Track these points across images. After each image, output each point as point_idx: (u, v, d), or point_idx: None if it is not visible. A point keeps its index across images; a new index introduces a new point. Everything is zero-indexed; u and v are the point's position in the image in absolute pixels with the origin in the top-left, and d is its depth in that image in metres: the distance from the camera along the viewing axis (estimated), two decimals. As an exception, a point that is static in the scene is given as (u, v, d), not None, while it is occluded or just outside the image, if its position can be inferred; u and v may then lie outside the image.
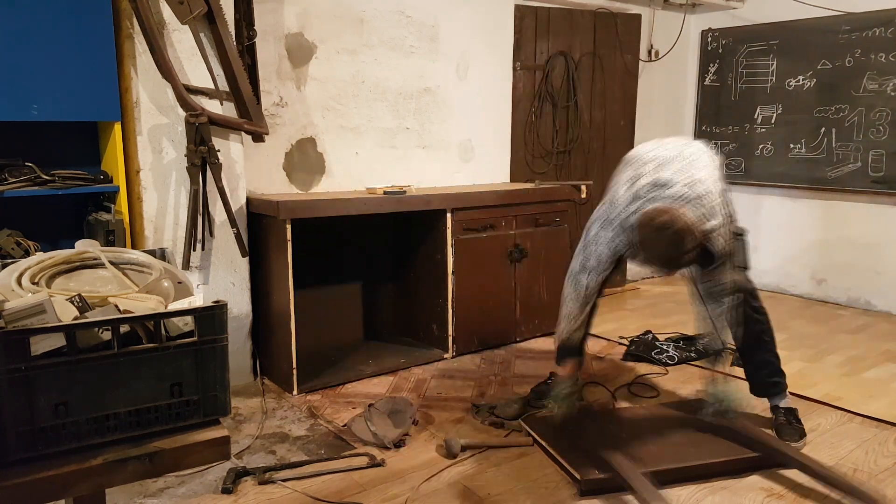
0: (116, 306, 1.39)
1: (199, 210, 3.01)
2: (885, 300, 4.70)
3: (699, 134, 5.63)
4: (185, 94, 2.92)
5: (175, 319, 1.35)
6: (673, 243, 2.10)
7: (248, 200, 3.30)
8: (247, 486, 2.36)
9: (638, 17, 5.09)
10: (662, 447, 2.54)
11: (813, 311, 4.75)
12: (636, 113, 5.24)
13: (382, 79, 3.92)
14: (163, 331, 1.32)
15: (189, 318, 1.35)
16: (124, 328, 1.29)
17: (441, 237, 3.63)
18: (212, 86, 3.06)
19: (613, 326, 4.30)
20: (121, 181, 2.85)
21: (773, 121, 5.14)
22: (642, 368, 3.55)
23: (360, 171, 3.90)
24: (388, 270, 3.98)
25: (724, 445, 2.56)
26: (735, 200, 5.35)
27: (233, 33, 3.07)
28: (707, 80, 5.54)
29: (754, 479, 2.43)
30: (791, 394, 3.19)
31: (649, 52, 5.32)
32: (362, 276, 3.58)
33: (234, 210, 3.11)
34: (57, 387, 1.22)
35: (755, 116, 5.24)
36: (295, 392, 3.19)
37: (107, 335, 1.29)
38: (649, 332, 4.02)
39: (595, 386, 3.26)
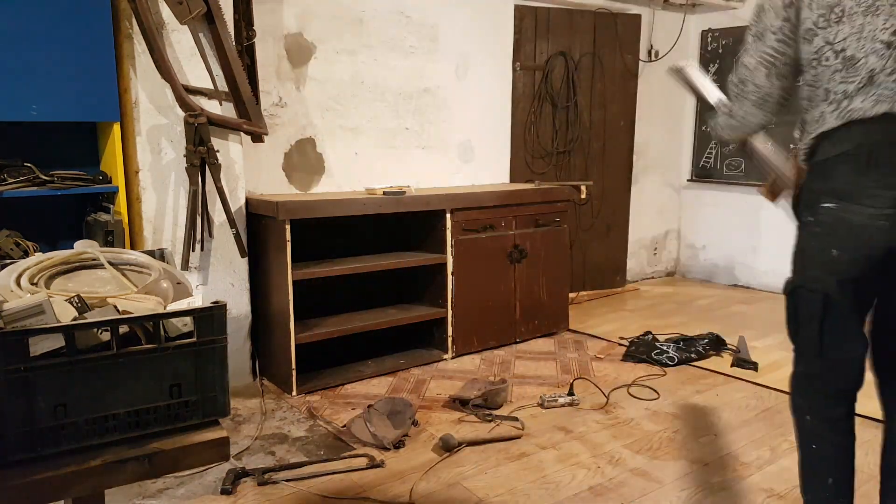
0: (115, 307, 1.39)
1: (198, 210, 3.01)
2: (885, 300, 4.69)
3: (699, 134, 5.63)
4: (184, 94, 2.92)
5: (174, 320, 1.35)
6: None
7: (248, 201, 3.30)
8: (246, 487, 2.36)
9: (638, 17, 5.09)
10: None
11: (813, 311, 4.74)
12: (636, 113, 5.23)
13: (382, 79, 3.91)
14: (162, 331, 1.32)
15: (188, 319, 1.35)
16: (123, 329, 1.29)
17: (441, 237, 3.63)
18: (211, 86, 3.05)
19: (613, 327, 4.29)
20: (120, 182, 2.85)
21: (772, 121, 5.12)
22: (642, 369, 3.55)
23: (359, 171, 3.90)
24: (387, 271, 3.97)
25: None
26: (736, 200, 5.51)
27: (232, 33, 3.06)
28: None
29: (754, 479, 2.43)
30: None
31: (649, 53, 5.31)
32: (361, 276, 3.58)
33: (233, 210, 3.10)
34: (56, 388, 1.21)
35: (755, 117, 5.23)
36: (294, 393, 3.19)
37: (106, 336, 1.28)
38: (649, 332, 4.02)
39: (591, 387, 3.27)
